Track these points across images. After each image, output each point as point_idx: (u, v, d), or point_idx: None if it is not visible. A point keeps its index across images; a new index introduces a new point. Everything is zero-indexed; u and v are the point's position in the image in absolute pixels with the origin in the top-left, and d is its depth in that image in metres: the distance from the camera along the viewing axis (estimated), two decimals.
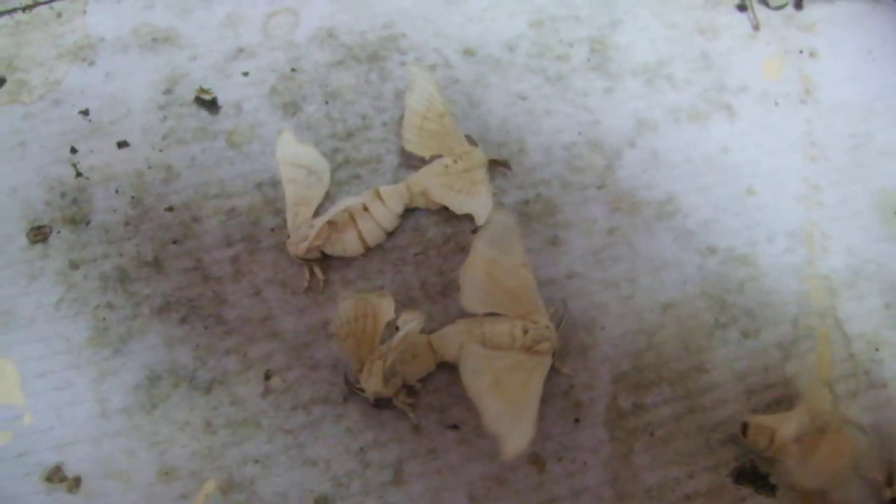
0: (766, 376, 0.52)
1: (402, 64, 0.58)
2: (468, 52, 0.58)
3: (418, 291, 0.52)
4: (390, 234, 0.53)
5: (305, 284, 0.52)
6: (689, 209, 0.55)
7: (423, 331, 0.49)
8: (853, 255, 0.55)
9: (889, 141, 0.58)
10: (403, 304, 0.51)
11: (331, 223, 0.50)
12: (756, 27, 0.61)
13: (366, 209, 0.51)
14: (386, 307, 0.49)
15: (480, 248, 0.50)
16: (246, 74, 0.57)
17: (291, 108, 0.57)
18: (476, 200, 0.52)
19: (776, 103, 0.59)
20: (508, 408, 0.47)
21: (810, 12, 0.62)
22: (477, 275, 0.50)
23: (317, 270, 0.52)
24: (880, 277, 0.55)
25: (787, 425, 0.48)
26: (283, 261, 0.53)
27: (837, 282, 0.54)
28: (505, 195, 0.55)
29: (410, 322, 0.48)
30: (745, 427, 0.49)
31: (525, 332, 0.49)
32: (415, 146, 0.53)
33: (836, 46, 0.61)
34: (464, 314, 0.50)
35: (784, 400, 0.51)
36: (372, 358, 0.48)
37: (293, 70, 0.58)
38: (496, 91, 0.57)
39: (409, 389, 0.50)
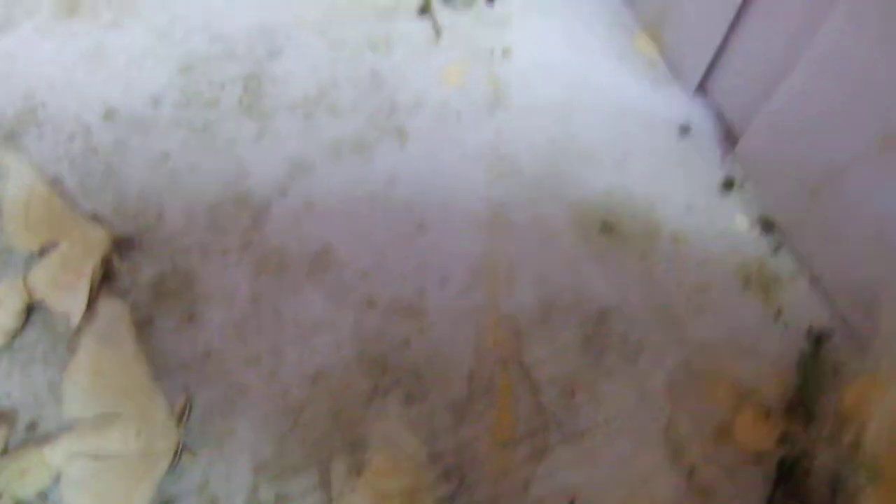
0: (433, 445, 0.47)
1: (40, 139, 0.55)
2: (109, 115, 0.56)
3: (46, 393, 0.50)
4: (17, 333, 0.51)
5: None
6: (347, 259, 0.51)
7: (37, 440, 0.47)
8: (546, 284, 0.50)
9: (591, 142, 0.54)
10: (32, 407, 0.49)
11: None
12: (437, 32, 0.56)
13: None
14: None
15: (87, 345, 0.48)
16: None
17: None
18: (72, 297, 0.49)
19: (458, 116, 0.54)
20: None
21: (505, 4, 0.57)
22: (82, 377, 0.48)
23: None
24: (579, 308, 0.50)
25: None
26: None
27: (525, 321, 0.50)
28: (139, 272, 0.52)
29: None
30: None
31: (138, 434, 0.46)
32: (22, 238, 0.50)
33: (534, 39, 0.57)
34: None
35: (455, 469, 0.46)
36: None
37: None
38: (137, 154, 0.54)
39: None
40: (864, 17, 0.42)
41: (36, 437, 0.49)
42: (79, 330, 0.50)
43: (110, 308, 0.49)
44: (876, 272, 0.48)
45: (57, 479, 0.48)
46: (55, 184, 0.55)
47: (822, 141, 0.48)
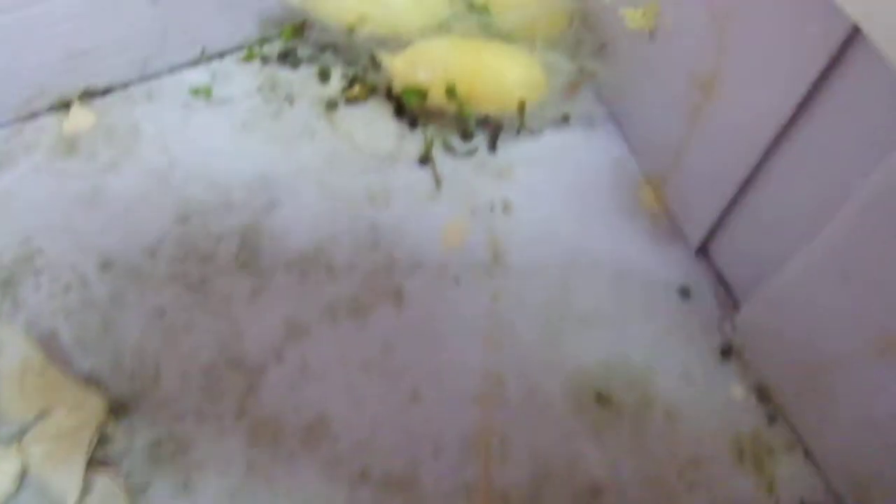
0: None
1: (36, 289, 0.55)
2: (106, 266, 0.56)
3: None
4: (10, 499, 0.51)
5: None
6: (341, 430, 0.52)
7: None
8: (538, 459, 0.51)
9: (589, 307, 0.54)
10: None
11: None
12: (438, 182, 0.56)
13: None
14: None
15: None
16: None
17: None
18: (67, 475, 0.50)
19: (457, 280, 0.54)
20: None
21: (507, 153, 0.57)
22: None
23: None
24: (571, 484, 0.50)
25: None
26: None
27: (517, 496, 0.50)
28: (135, 436, 0.52)
29: None
30: None
31: None
32: (17, 407, 0.51)
33: (534, 192, 0.57)
34: None
35: None
36: None
37: None
38: (133, 309, 0.55)
39: None
40: (875, 216, 0.41)
41: None
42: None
43: (104, 485, 0.50)
44: (869, 462, 0.48)
45: None
46: (51, 338, 0.55)
47: (822, 330, 0.48)
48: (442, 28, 0.59)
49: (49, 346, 0.54)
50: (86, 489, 0.51)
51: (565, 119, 0.60)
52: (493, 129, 0.59)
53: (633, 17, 0.55)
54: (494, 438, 0.52)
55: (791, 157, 0.47)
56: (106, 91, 0.64)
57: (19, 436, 0.53)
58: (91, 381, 0.53)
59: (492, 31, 0.59)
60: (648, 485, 0.51)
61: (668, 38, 0.54)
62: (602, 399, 0.53)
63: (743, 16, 0.46)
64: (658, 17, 0.55)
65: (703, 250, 0.57)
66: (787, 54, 0.44)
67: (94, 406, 0.52)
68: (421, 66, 0.58)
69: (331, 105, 0.62)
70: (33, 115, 0.63)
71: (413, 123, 0.61)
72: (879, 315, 0.43)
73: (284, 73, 0.65)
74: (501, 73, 0.57)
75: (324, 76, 0.64)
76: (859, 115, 0.42)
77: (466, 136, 0.59)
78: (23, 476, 0.52)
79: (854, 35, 0.39)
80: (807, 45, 0.42)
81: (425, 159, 0.58)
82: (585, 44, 0.60)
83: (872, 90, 0.39)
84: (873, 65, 0.38)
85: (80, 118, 0.64)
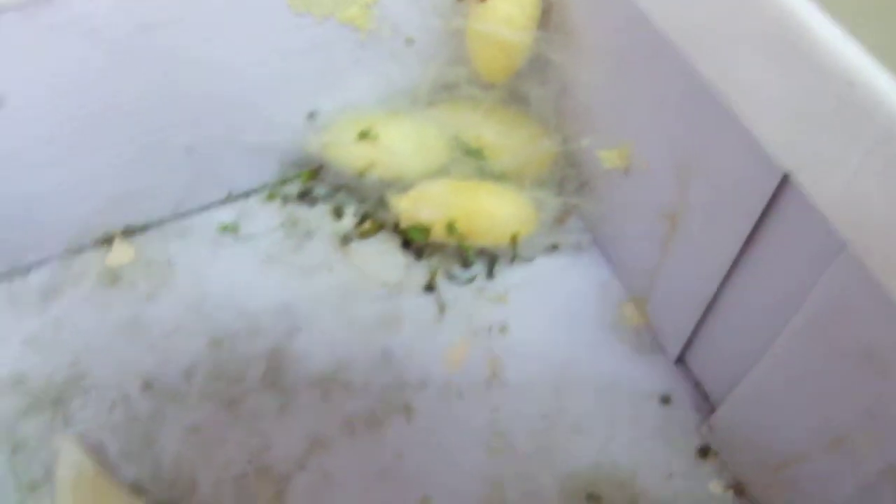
0: None
1: (84, 407, 0.62)
2: (147, 386, 0.63)
3: None
4: None
5: None
6: None
7: None
8: None
9: (580, 415, 0.61)
10: None
11: None
12: (441, 308, 0.64)
13: None
14: None
15: None
16: None
17: None
18: None
19: (460, 395, 0.62)
20: None
21: (503, 279, 0.65)
22: None
23: None
24: None
25: None
26: None
27: None
28: None
29: None
30: None
31: None
32: None
33: (528, 314, 0.64)
34: None
35: None
36: None
37: None
38: (171, 426, 0.62)
39: None
40: (813, 330, 0.49)
41: None
42: None
43: None
44: None
45: None
46: (99, 450, 0.62)
47: (783, 429, 0.55)
48: (442, 171, 0.69)
49: (97, 457, 0.61)
50: None
51: (555, 247, 0.69)
52: (490, 259, 0.68)
53: (608, 158, 0.65)
54: None
55: (748, 278, 0.55)
56: (144, 228, 0.73)
57: None
58: (135, 489, 0.60)
59: (486, 173, 0.68)
60: None
61: (640, 176, 0.63)
62: (593, 499, 0.60)
63: (698, 161, 0.55)
64: (630, 158, 0.64)
65: (681, 360, 0.65)
66: (732, 195, 0.53)
67: None
68: (424, 205, 0.67)
69: (345, 239, 0.71)
70: (80, 250, 0.72)
71: (419, 255, 0.69)
72: (827, 416, 0.51)
73: (303, 211, 0.74)
74: (496, 210, 0.66)
75: (338, 213, 0.73)
76: (797, 244, 0.50)
77: (466, 265, 0.68)
78: None
79: (785, 180, 0.48)
80: (748, 188, 0.51)
81: (430, 287, 0.67)
82: (569, 181, 0.70)
83: (805, 224, 0.48)
84: (803, 205, 0.47)
85: (122, 253, 0.72)
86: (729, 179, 0.52)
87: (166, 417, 0.63)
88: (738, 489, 0.60)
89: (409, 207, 0.67)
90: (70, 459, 0.60)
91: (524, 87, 0.68)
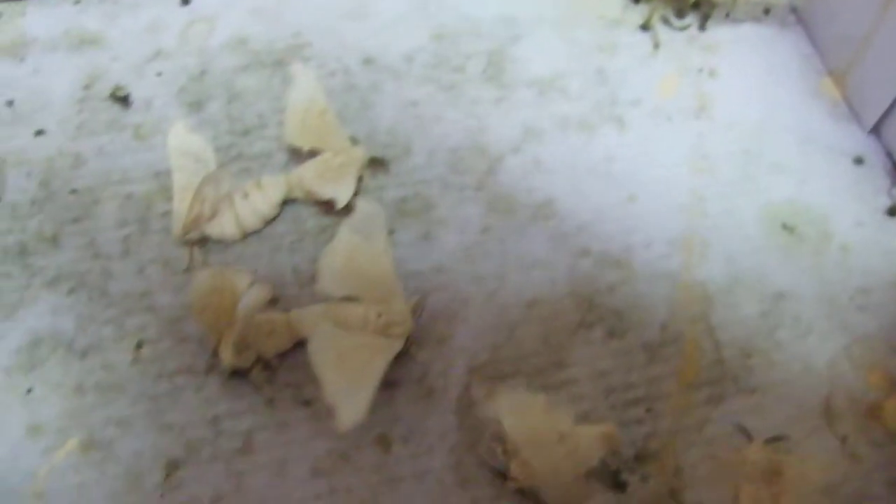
0: (627, 376, 0.56)
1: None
2: (368, 62, 0.66)
3: (290, 276, 0.59)
4: (269, 222, 0.60)
5: (186, 265, 0.59)
6: (567, 213, 0.61)
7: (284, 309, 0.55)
8: (733, 263, 0.59)
9: (779, 158, 0.64)
10: (275, 287, 0.57)
11: (210, 205, 0.57)
12: (656, 46, 0.67)
13: (246, 196, 0.58)
14: (240, 281, 0.55)
15: (344, 235, 0.57)
16: (159, 75, 0.66)
17: (196, 106, 0.65)
18: (338, 187, 0.58)
19: (669, 118, 0.65)
20: (348, 383, 0.52)
21: (714, 34, 0.69)
22: (337, 260, 0.56)
23: (196, 251, 0.59)
24: (759, 287, 0.59)
25: None
26: (168, 242, 0.60)
27: (713, 289, 0.59)
28: (384, 191, 0.62)
29: (252, 294, 0.54)
30: None
31: (378, 315, 0.54)
32: (296, 139, 0.60)
33: (736, 67, 0.67)
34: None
35: (643, 399, 0.55)
36: (228, 331, 0.54)
37: (202, 72, 0.66)
38: (390, 97, 0.65)
39: (266, 364, 0.55)
40: None
41: (276, 309, 0.57)
42: (338, 221, 0.59)
43: (368, 206, 0.59)
44: None
45: (295, 342, 0.56)
46: None
47: None
48: None
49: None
50: (350, 209, 0.60)
51: (767, 11, 0.73)
52: (704, 13, 0.72)
53: None
54: (696, 239, 0.62)
55: None
56: None
57: (285, 171, 0.62)
58: (352, 140, 0.63)
59: None
60: (823, 301, 0.60)
61: None
62: (787, 228, 0.63)
63: None
64: None
65: (875, 131, 0.68)
66: None
67: (358, 155, 0.62)
68: None
69: None
70: None
71: None
72: None
73: None
74: None
75: None
76: None
77: (681, 15, 0.71)
78: (283, 204, 0.61)
79: None
80: None
81: (645, 27, 0.70)
82: None
83: None
84: None
85: None
86: None
87: (385, 90, 0.66)
88: None
89: None
90: (305, 88, 0.62)
91: None
